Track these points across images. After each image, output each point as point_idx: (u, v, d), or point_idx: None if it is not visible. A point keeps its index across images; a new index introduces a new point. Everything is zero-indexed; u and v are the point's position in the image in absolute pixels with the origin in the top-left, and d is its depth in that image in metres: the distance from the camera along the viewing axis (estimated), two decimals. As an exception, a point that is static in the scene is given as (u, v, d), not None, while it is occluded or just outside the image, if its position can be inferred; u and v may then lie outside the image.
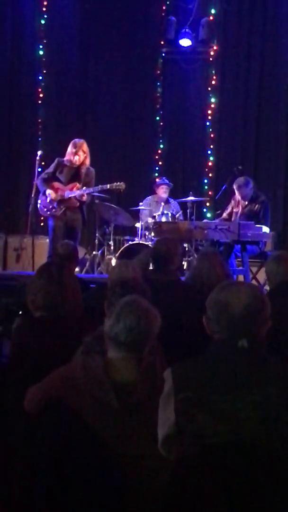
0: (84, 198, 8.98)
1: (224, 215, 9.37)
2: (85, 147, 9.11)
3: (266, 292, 5.26)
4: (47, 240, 9.53)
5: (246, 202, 9.13)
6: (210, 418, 2.55)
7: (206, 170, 12.08)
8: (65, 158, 9.12)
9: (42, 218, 10.57)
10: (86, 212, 9.30)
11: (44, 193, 9.06)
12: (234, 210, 9.26)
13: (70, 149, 9.10)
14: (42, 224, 10.97)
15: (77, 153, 9.04)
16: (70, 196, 8.96)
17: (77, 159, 9.05)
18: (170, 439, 2.64)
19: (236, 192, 9.17)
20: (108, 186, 9.15)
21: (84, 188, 8.97)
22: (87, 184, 9.08)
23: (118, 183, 9.19)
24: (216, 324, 2.74)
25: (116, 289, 4.03)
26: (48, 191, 8.99)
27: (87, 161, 9.15)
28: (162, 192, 10.56)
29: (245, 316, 2.69)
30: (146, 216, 10.20)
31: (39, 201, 9.21)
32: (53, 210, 9.00)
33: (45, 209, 9.08)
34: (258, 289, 2.85)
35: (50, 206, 9.00)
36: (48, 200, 9.00)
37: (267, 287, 5.69)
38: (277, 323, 2.80)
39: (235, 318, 2.69)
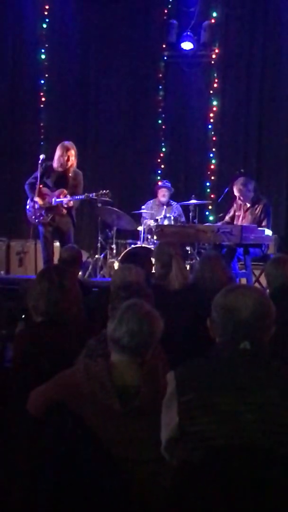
0: (71, 204, 8.91)
1: (227, 218, 9.36)
2: (74, 149, 9.02)
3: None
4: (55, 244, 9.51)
5: (248, 205, 9.11)
6: (213, 420, 2.55)
7: (208, 173, 12.08)
8: (53, 162, 9.01)
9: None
10: (75, 215, 9.24)
11: (32, 200, 9.00)
12: (237, 213, 9.25)
13: (59, 152, 8.98)
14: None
15: (67, 156, 8.94)
16: (57, 203, 8.92)
17: (66, 162, 8.95)
18: (173, 442, 2.64)
19: (236, 192, 9.14)
20: (94, 194, 9.12)
21: (70, 195, 8.88)
22: (74, 187, 8.99)
23: (104, 191, 9.16)
24: (221, 327, 2.73)
25: (119, 292, 4.02)
26: (36, 198, 8.91)
27: (75, 164, 9.08)
28: (161, 195, 10.56)
29: (251, 321, 2.70)
30: (147, 219, 10.20)
31: (27, 207, 9.14)
32: (41, 217, 8.95)
33: (33, 217, 9.01)
34: (264, 294, 2.86)
35: (38, 214, 8.92)
36: (36, 207, 8.94)
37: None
38: (277, 326, 2.80)
39: (241, 322, 2.70)
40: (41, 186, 8.92)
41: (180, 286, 5.39)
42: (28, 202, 9.09)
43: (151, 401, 2.97)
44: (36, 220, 9.00)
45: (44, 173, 8.97)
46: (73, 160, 8.99)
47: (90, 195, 9.05)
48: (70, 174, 8.99)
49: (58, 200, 8.87)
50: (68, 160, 8.93)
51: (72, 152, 8.96)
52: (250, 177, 9.74)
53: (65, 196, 8.87)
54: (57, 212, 8.94)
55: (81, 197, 8.97)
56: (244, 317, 2.70)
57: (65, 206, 8.88)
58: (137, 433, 3.01)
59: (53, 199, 8.89)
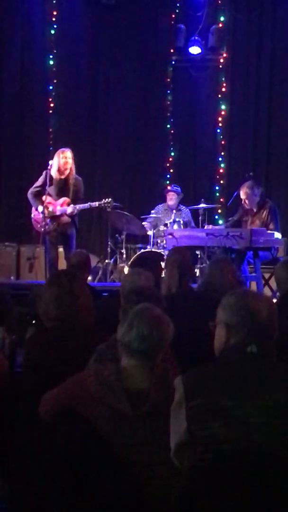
0: (75, 213, 9.00)
1: (230, 221, 9.39)
2: (71, 155, 9.06)
3: (277, 299, 5.27)
4: (60, 249, 9.54)
5: (255, 209, 9.12)
6: (221, 424, 2.55)
7: (218, 177, 12.09)
8: (52, 170, 9.03)
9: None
10: (77, 222, 9.31)
11: (37, 209, 9.05)
12: (244, 219, 9.25)
13: (57, 159, 9.04)
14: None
15: (65, 163, 8.99)
16: (61, 212, 8.96)
17: (65, 169, 9.00)
18: (182, 447, 2.64)
19: (242, 196, 9.15)
20: (97, 203, 9.16)
21: (72, 202, 8.92)
22: (76, 193, 9.05)
23: (107, 200, 9.19)
24: (243, 330, 2.73)
25: (130, 297, 4.03)
26: (41, 208, 8.95)
27: (74, 169, 9.11)
28: (169, 199, 10.55)
29: (267, 323, 2.73)
30: (153, 224, 10.22)
31: (32, 215, 9.19)
32: (46, 226, 9.00)
33: (39, 225, 9.07)
34: (272, 300, 2.89)
35: (43, 223, 8.98)
36: (41, 217, 8.99)
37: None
38: (287, 329, 2.82)
39: (261, 324, 2.72)
40: (43, 195, 8.97)
41: (164, 292, 5.38)
42: (32, 211, 9.15)
43: (162, 405, 2.98)
44: (42, 229, 9.05)
45: (46, 182, 9.00)
46: (70, 163, 9.03)
47: (93, 204, 9.09)
48: (70, 181, 9.04)
49: (61, 209, 8.92)
50: (65, 163, 8.98)
51: (68, 154, 9.01)
52: (258, 182, 9.74)
53: (68, 205, 8.92)
54: (61, 221, 9.01)
55: (84, 205, 9.02)
56: (264, 319, 2.73)
57: (69, 215, 8.94)
58: (148, 436, 3.02)
59: (57, 208, 8.94)
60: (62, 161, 8.99)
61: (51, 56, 12.35)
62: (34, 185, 9.16)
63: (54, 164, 9.03)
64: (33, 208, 9.14)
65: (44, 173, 9.04)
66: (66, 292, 3.90)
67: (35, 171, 11.59)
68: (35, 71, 12.42)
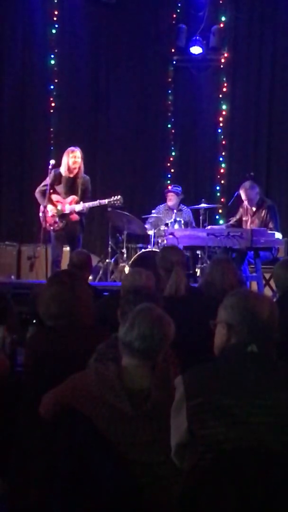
0: (84, 211, 9.01)
1: (233, 220, 9.39)
2: (80, 154, 9.06)
3: (276, 299, 5.26)
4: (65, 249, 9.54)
5: (254, 209, 9.14)
6: (222, 423, 2.55)
7: (218, 177, 12.10)
8: (61, 168, 9.06)
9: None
10: (85, 221, 9.31)
11: (45, 207, 9.05)
12: (244, 218, 9.27)
13: (66, 158, 9.04)
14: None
15: (73, 159, 9.00)
16: (70, 210, 8.96)
17: (74, 168, 9.01)
18: (183, 446, 2.65)
19: (242, 195, 9.17)
20: (107, 201, 9.15)
21: (82, 203, 8.93)
22: (84, 192, 9.06)
23: (116, 197, 9.18)
24: (244, 329, 2.74)
25: (129, 297, 4.03)
26: (50, 207, 8.97)
27: (82, 167, 9.11)
28: (169, 200, 10.56)
29: (269, 323, 2.74)
30: (154, 224, 10.22)
31: (40, 214, 9.19)
32: (55, 224, 9.01)
33: (48, 224, 9.08)
34: (272, 300, 2.90)
35: (53, 221, 9.00)
36: (50, 215, 9.00)
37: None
38: (286, 329, 2.83)
39: (263, 324, 2.72)
40: (52, 193, 8.97)
41: (169, 294, 5.36)
42: (40, 209, 9.15)
43: (162, 405, 2.98)
44: (51, 228, 9.06)
45: (55, 180, 9.01)
46: (79, 163, 9.02)
47: (103, 202, 9.09)
48: (79, 180, 9.04)
49: (70, 206, 8.93)
50: (74, 162, 8.98)
51: (78, 154, 9.01)
52: (260, 181, 9.76)
53: (76, 203, 8.93)
54: (70, 218, 9.00)
55: (93, 203, 9.03)
56: (266, 319, 2.73)
57: (77, 213, 8.94)
58: (148, 436, 3.02)
59: (66, 206, 8.94)
60: (71, 160, 8.99)
61: (52, 56, 12.36)
62: (42, 183, 9.16)
63: (64, 162, 9.04)
64: (41, 206, 9.14)
65: (52, 171, 9.04)
66: (66, 291, 3.90)
67: (36, 171, 11.64)
68: (36, 71, 12.42)
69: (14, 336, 4.65)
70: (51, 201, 8.98)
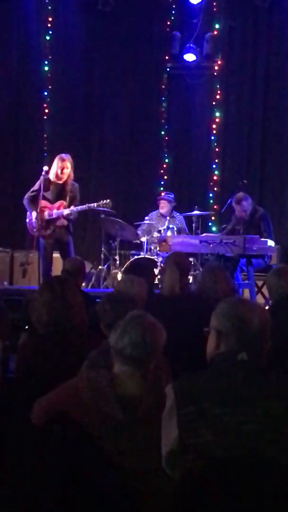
0: (71, 216, 8.98)
1: (226, 231, 9.40)
2: (71, 161, 9.05)
3: (269, 306, 5.27)
4: (54, 255, 9.54)
5: (246, 218, 9.15)
6: (212, 432, 2.55)
7: (211, 184, 12.11)
8: (50, 174, 9.04)
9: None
10: (72, 226, 9.30)
11: (31, 214, 9.01)
12: (237, 227, 9.28)
13: (56, 164, 9.02)
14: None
15: (65, 168, 8.98)
16: (58, 215, 8.94)
17: (64, 174, 8.99)
18: (173, 455, 2.64)
19: (236, 206, 9.20)
20: (95, 204, 9.10)
21: (71, 207, 8.93)
22: (72, 200, 9.04)
23: (105, 201, 9.14)
24: (232, 337, 2.75)
25: (105, 305, 4.03)
26: (35, 214, 8.93)
27: (72, 176, 9.10)
28: (161, 207, 10.58)
29: (260, 331, 2.74)
30: (146, 230, 10.23)
31: (27, 220, 9.17)
32: (42, 230, 8.98)
33: (34, 230, 9.05)
34: (265, 309, 2.90)
35: (39, 227, 8.95)
36: (35, 221, 8.95)
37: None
38: (279, 337, 2.83)
39: (253, 334, 2.73)
40: (40, 199, 8.96)
41: (168, 293, 5.37)
42: (27, 215, 9.13)
43: (154, 412, 2.97)
44: (37, 233, 9.02)
45: (43, 186, 8.99)
46: (68, 172, 9.00)
47: (91, 205, 9.07)
48: (68, 187, 9.03)
49: (58, 211, 8.91)
50: (62, 172, 8.96)
51: (67, 164, 8.99)
52: (254, 189, 9.78)
53: (64, 208, 8.91)
54: (57, 224, 8.98)
55: (82, 207, 9.00)
56: (256, 328, 2.74)
57: (65, 217, 8.92)
58: (140, 443, 3.01)
59: (53, 211, 8.93)
60: (59, 169, 8.97)
61: (46, 62, 12.40)
62: (31, 190, 9.14)
63: (53, 168, 9.03)
64: (28, 213, 9.12)
65: (41, 177, 9.02)
66: (58, 298, 3.91)
67: (29, 177, 11.62)
68: (30, 77, 12.45)
69: (6, 343, 4.64)
70: (37, 208, 8.95)
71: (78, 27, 12.49)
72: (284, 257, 9.84)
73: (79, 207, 9.00)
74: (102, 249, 10.35)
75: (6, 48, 12.43)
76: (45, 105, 12.38)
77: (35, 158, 12.10)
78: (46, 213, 8.96)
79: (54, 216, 8.95)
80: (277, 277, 5.20)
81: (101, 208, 9.26)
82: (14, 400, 3.76)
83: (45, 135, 12.40)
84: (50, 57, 12.42)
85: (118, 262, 10.06)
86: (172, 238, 9.32)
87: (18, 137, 12.46)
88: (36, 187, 9.06)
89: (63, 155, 9.10)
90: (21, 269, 11.05)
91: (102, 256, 10.33)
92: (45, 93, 12.40)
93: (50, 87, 12.40)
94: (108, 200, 9.16)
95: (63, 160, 9.01)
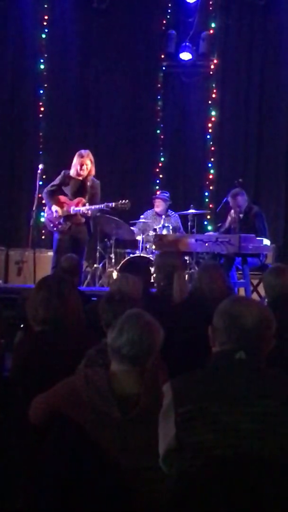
0: (89, 213, 8.94)
1: (222, 230, 9.40)
2: (91, 157, 9.05)
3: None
4: (49, 253, 9.54)
5: (241, 216, 9.16)
6: (210, 430, 2.55)
7: (207, 183, 12.11)
8: (71, 170, 9.05)
9: (43, 231, 10.66)
10: (92, 225, 9.29)
11: (50, 208, 9.02)
12: (232, 226, 9.29)
13: (76, 160, 9.02)
14: (43, 237, 11.04)
15: (84, 164, 8.98)
16: (76, 212, 8.93)
17: (83, 171, 8.99)
18: (171, 453, 2.64)
19: (231, 202, 9.22)
20: (114, 204, 9.04)
21: (89, 204, 8.91)
22: (93, 196, 9.02)
23: (124, 201, 9.07)
24: (225, 335, 2.74)
25: (103, 305, 4.02)
26: (55, 208, 8.93)
27: (93, 172, 9.08)
28: (156, 206, 10.58)
29: (255, 330, 2.73)
30: (142, 229, 10.22)
31: (45, 215, 9.20)
32: (59, 226, 8.97)
33: (52, 225, 9.05)
34: (268, 309, 2.89)
35: (57, 222, 8.97)
36: (54, 216, 8.96)
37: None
38: (275, 336, 2.82)
39: (246, 331, 2.72)
40: (59, 194, 8.96)
41: (179, 300, 5.38)
42: (46, 210, 9.15)
43: (151, 410, 2.97)
44: (55, 228, 9.04)
45: (63, 181, 8.99)
46: (88, 169, 9.00)
47: (110, 205, 9.02)
48: (88, 183, 9.02)
49: (76, 208, 8.89)
50: (81, 168, 8.94)
51: (86, 161, 8.98)
52: (249, 187, 9.79)
53: (83, 205, 8.89)
54: (75, 220, 8.97)
55: (100, 206, 8.98)
56: (249, 326, 2.72)
57: (83, 215, 8.90)
58: (137, 441, 3.01)
59: (71, 208, 8.91)
60: (79, 162, 8.97)
61: (42, 60, 12.36)
62: (51, 184, 9.17)
63: (73, 164, 9.02)
64: (47, 207, 9.12)
65: (62, 172, 9.04)
66: (54, 295, 3.90)
67: (25, 175, 11.64)
68: (26, 75, 12.42)
69: (1, 341, 4.63)
70: (58, 202, 8.96)
71: (74, 26, 12.46)
72: (280, 256, 9.86)
73: (97, 206, 8.96)
74: (98, 247, 10.35)
75: (2, 46, 12.39)
76: (40, 103, 12.35)
77: (31, 156, 12.08)
78: (64, 209, 8.94)
79: (71, 213, 8.93)
80: (274, 276, 5.20)
81: (120, 207, 9.18)
82: (10, 399, 3.74)
83: (40, 134, 12.37)
84: (46, 55, 12.39)
85: (113, 260, 10.06)
86: (167, 236, 9.32)
87: (14, 135, 12.43)
88: (56, 181, 9.08)
89: (82, 151, 9.10)
90: (16, 267, 11.04)
91: (97, 254, 10.33)
92: (41, 91, 12.37)
93: (45, 85, 12.36)
94: (126, 201, 9.10)
95: (82, 156, 9.00)
